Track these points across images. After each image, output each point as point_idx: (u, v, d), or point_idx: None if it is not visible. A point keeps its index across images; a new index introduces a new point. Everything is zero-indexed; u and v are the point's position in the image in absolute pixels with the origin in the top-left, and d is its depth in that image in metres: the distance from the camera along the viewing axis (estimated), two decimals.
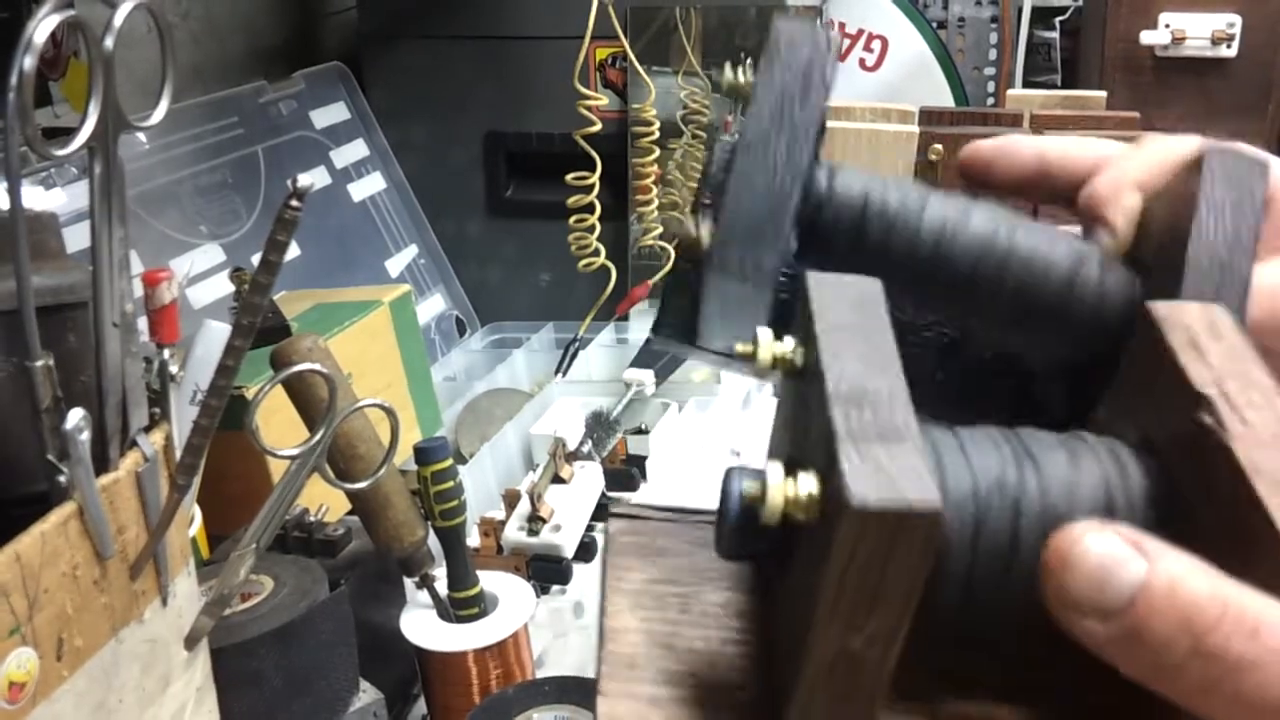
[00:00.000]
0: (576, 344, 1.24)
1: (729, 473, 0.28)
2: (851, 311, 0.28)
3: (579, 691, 0.67)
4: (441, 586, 0.74)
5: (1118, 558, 0.24)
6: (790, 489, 0.25)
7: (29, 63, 0.40)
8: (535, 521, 0.87)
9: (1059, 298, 0.37)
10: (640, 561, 0.34)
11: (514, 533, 0.87)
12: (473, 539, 0.87)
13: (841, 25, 1.56)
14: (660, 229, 1.34)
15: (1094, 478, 0.28)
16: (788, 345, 0.29)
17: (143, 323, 0.53)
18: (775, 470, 0.26)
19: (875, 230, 0.38)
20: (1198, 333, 0.28)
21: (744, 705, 0.29)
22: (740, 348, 0.29)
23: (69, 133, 0.44)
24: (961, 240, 0.38)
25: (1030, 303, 0.38)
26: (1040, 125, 1.23)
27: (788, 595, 0.28)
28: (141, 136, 1.09)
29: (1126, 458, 0.29)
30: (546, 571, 0.85)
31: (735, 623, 0.31)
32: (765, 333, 0.30)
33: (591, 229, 1.22)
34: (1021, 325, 0.38)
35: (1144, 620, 0.23)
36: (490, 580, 0.76)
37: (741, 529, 0.28)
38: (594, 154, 1.20)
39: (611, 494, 0.94)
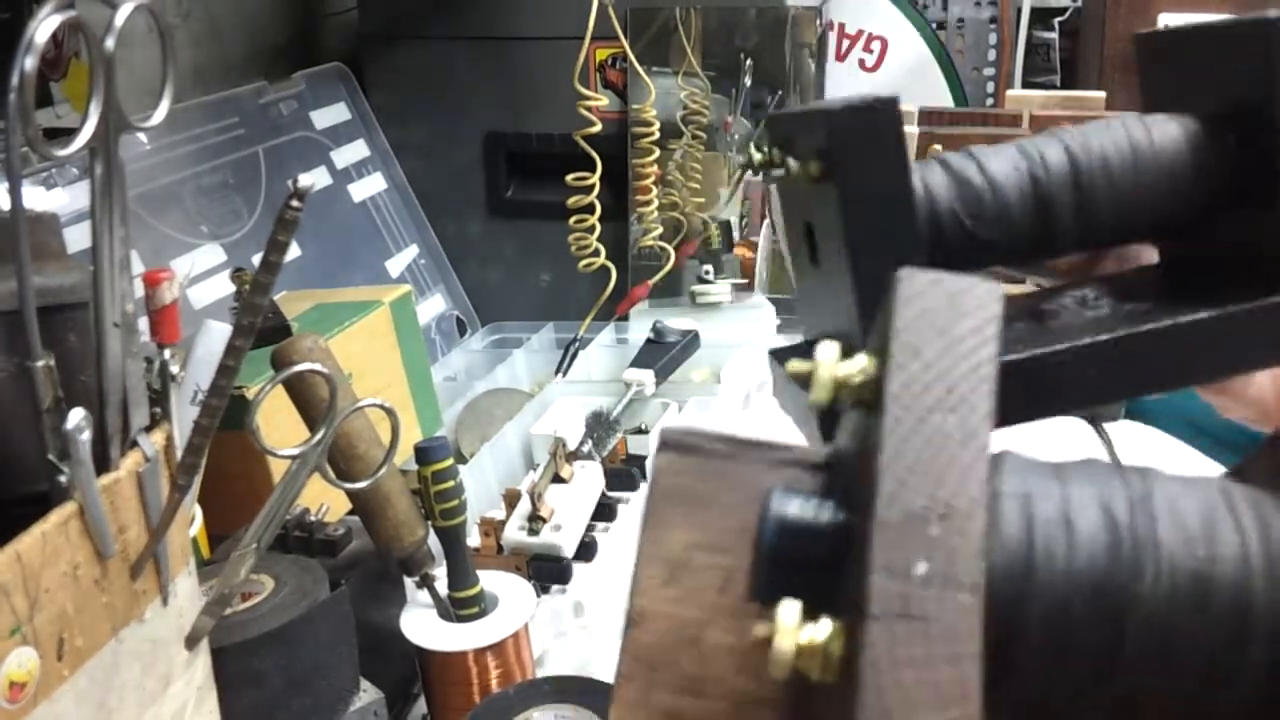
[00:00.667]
0: (576, 344, 1.24)
1: (771, 496, 0.23)
2: (943, 344, 0.22)
3: (579, 691, 0.67)
4: (442, 586, 0.74)
5: None
6: (808, 634, 0.20)
7: (30, 63, 0.40)
8: (535, 521, 0.87)
9: (1138, 178, 0.39)
10: (683, 515, 0.28)
11: (514, 532, 0.87)
12: (473, 539, 0.87)
13: (841, 26, 1.56)
14: (659, 229, 1.34)
15: (1227, 578, 0.23)
16: (856, 365, 0.24)
17: (143, 323, 0.53)
18: (790, 611, 0.21)
19: (965, 223, 0.40)
20: None
21: None
22: (794, 365, 0.25)
23: (70, 133, 0.44)
24: (1042, 185, 0.40)
25: (1119, 194, 0.39)
26: (1039, 125, 1.23)
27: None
28: (142, 137, 1.09)
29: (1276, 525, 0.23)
30: (547, 571, 0.86)
31: None
32: (829, 349, 0.24)
33: (591, 229, 1.23)
34: (1130, 211, 0.40)
35: None
36: (490, 580, 0.76)
37: (776, 562, 0.23)
38: (594, 154, 1.20)
39: (611, 494, 0.94)
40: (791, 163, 0.39)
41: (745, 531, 0.27)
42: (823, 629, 0.20)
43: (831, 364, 0.24)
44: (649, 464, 0.28)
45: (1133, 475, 0.25)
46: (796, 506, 0.24)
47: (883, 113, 0.38)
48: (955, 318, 0.23)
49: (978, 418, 0.21)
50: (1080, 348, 0.39)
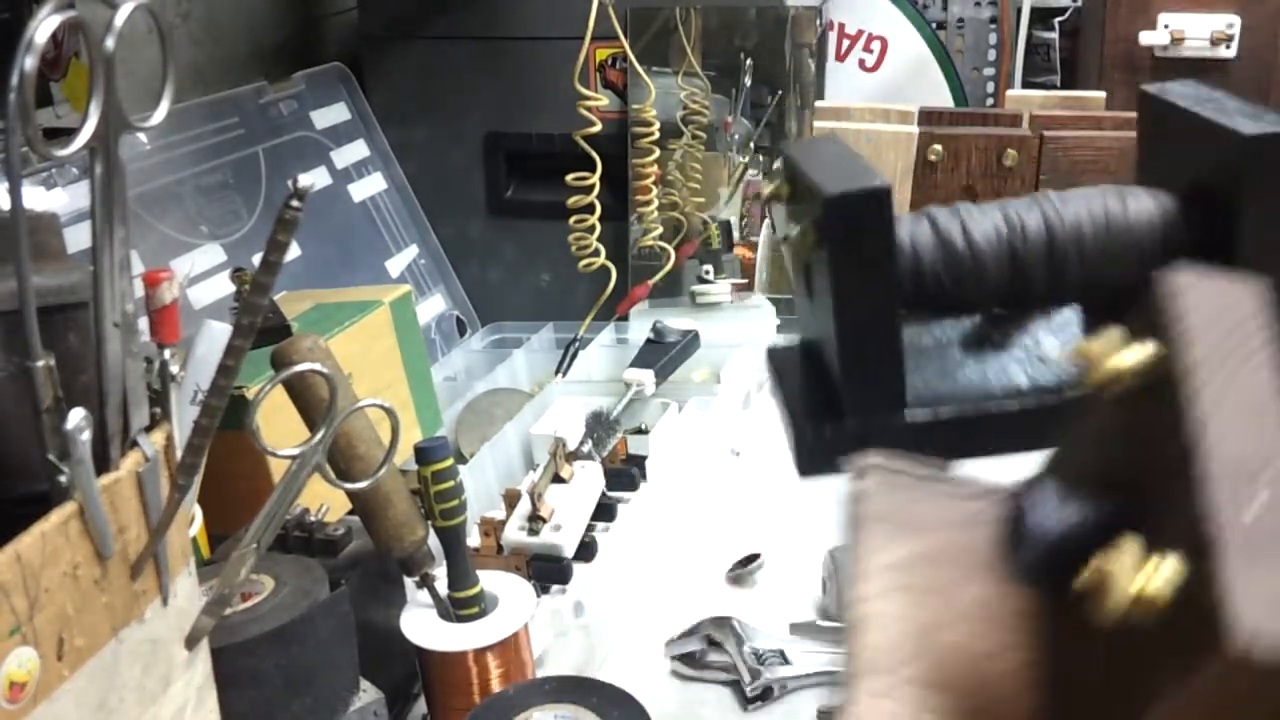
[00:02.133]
0: (576, 344, 1.24)
1: (1033, 494, 0.25)
2: (1225, 335, 0.23)
3: (579, 691, 0.67)
4: (442, 586, 0.74)
5: None
6: (1141, 580, 0.20)
7: (30, 63, 0.40)
8: (535, 521, 0.87)
9: (1108, 247, 0.44)
10: (892, 537, 0.29)
11: (514, 532, 0.87)
12: (473, 539, 0.87)
13: (841, 26, 1.56)
14: (659, 229, 1.34)
15: None
16: (1136, 356, 0.24)
17: (143, 323, 0.53)
18: (1131, 551, 0.21)
19: (945, 283, 0.45)
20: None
21: None
22: (1076, 347, 0.27)
23: (70, 133, 0.44)
24: (1019, 256, 0.45)
25: (1088, 264, 0.45)
26: (1039, 126, 1.23)
27: (1092, 662, 0.24)
28: (142, 137, 1.09)
29: None
30: (547, 571, 0.86)
31: (1008, 627, 0.27)
32: (1114, 334, 0.26)
33: (591, 229, 1.23)
34: (1096, 280, 0.45)
35: None
36: (490, 580, 0.76)
37: (1041, 566, 0.25)
38: (594, 154, 1.20)
39: (611, 494, 0.94)
40: (791, 231, 0.43)
41: (955, 552, 0.29)
42: (1167, 566, 0.20)
43: (1113, 352, 0.25)
44: (846, 488, 0.28)
45: None
46: (1054, 495, 0.25)
47: (871, 206, 0.41)
48: (1232, 304, 0.24)
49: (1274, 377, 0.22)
50: (1005, 413, 0.46)
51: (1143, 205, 0.45)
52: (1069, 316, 0.50)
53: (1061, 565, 0.24)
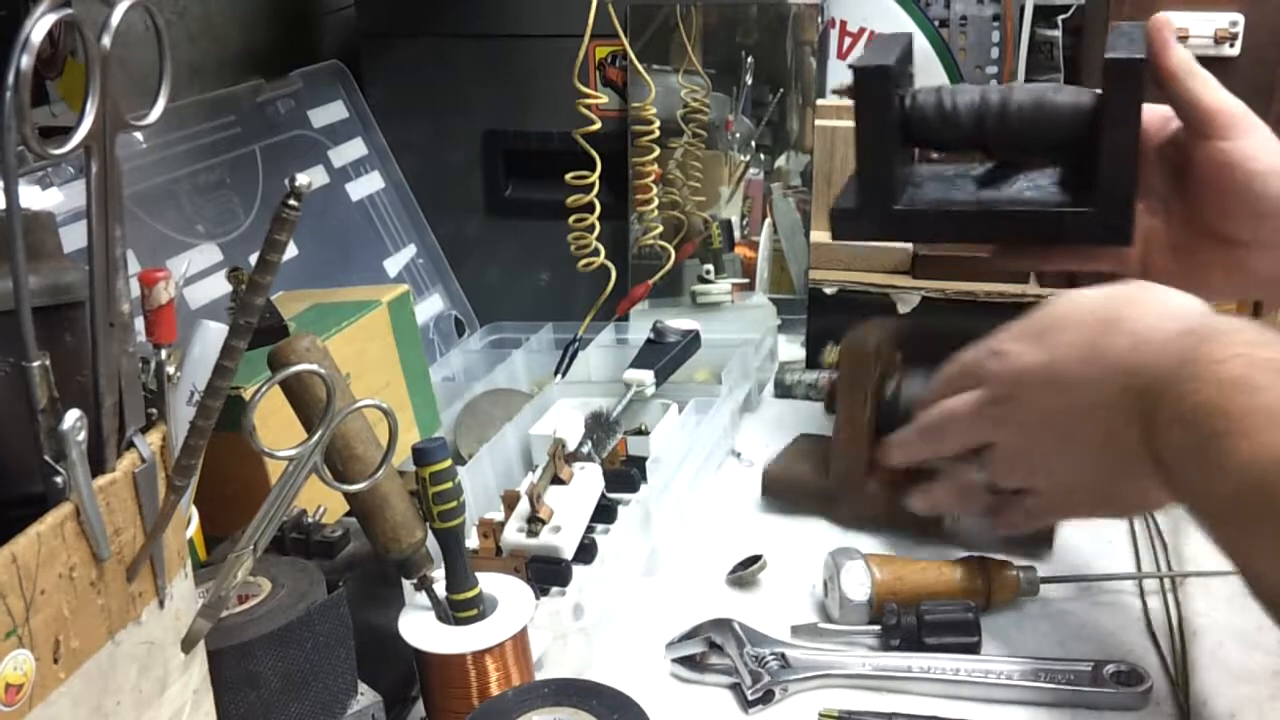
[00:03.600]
0: (576, 344, 1.24)
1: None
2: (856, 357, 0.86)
3: (579, 694, 0.66)
4: (440, 588, 0.73)
5: None
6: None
7: (26, 62, 0.40)
8: (534, 523, 0.86)
9: (1038, 115, 0.79)
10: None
11: (513, 534, 0.86)
12: (471, 540, 0.87)
13: (843, 23, 1.56)
14: (660, 228, 1.33)
15: None
16: (829, 357, 0.81)
17: (140, 323, 0.53)
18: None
19: (933, 124, 0.81)
20: None
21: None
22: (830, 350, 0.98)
23: (66, 132, 0.44)
24: (987, 111, 0.80)
25: (1030, 125, 0.79)
26: None
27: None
28: (138, 136, 1.09)
29: None
30: (546, 573, 0.85)
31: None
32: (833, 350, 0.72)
33: (591, 228, 1.22)
34: (1034, 136, 0.79)
35: None
36: (489, 582, 0.75)
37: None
38: (594, 153, 1.19)
39: (611, 495, 0.94)
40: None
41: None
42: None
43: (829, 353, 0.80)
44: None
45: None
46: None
47: (878, 73, 0.79)
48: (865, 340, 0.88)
49: None
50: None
51: (1066, 95, 0.79)
52: (1048, 174, 0.84)
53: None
